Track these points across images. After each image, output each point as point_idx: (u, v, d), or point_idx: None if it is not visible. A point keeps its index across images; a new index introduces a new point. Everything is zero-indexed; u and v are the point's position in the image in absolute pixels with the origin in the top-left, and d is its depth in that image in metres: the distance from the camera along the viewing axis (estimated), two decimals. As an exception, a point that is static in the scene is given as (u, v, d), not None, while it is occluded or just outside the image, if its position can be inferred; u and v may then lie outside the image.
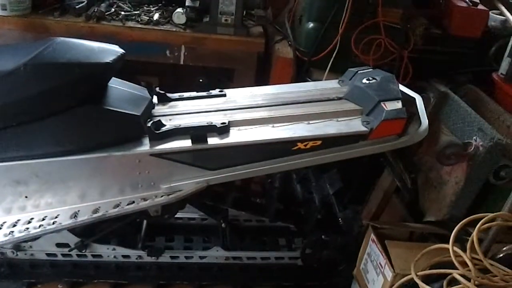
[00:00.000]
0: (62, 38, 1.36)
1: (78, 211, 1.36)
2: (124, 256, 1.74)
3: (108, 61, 1.33)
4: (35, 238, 1.48)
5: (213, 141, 1.35)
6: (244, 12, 2.06)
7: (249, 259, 1.82)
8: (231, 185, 1.68)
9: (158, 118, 1.38)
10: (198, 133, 1.36)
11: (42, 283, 1.73)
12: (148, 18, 2.02)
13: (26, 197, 1.36)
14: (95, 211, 1.36)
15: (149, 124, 1.34)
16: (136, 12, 2.05)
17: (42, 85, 1.26)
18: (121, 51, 1.40)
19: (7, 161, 1.31)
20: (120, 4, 2.10)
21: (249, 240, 1.92)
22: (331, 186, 1.82)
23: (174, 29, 2.00)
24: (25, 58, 1.26)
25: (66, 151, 1.32)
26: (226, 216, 1.83)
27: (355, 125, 1.41)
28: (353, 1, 1.80)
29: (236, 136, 1.37)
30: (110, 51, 1.38)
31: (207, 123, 1.37)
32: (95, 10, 1.96)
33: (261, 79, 2.11)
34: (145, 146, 1.34)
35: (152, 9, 2.12)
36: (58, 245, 1.63)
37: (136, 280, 1.79)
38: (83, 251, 1.63)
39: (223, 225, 1.81)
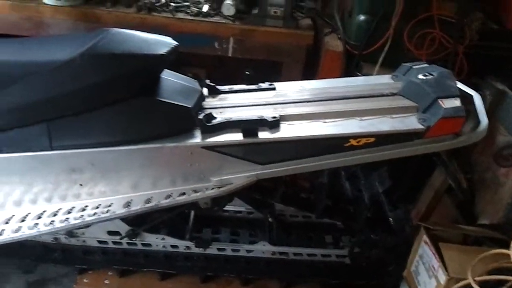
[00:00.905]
0: (116, 29, 1.37)
1: (131, 200, 1.38)
2: (172, 246, 1.76)
3: (162, 53, 1.33)
4: (88, 225, 1.51)
5: (264, 135, 1.34)
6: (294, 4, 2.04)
7: (295, 255, 1.81)
8: (279, 180, 1.67)
9: (209, 111, 1.38)
10: (249, 127, 1.35)
11: (93, 269, 1.78)
12: (197, 9, 2.02)
13: (80, 184, 1.39)
14: (148, 201, 1.38)
15: (200, 116, 1.35)
16: (186, 3, 2.06)
17: (97, 76, 1.28)
18: (174, 43, 1.41)
19: (63, 149, 1.34)
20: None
21: (295, 236, 1.91)
22: (381, 184, 1.78)
23: (223, 21, 2.00)
24: (81, 48, 1.28)
25: (121, 141, 1.34)
26: (273, 211, 1.82)
27: (411, 122, 1.36)
28: (406, -8, 1.76)
29: (287, 130, 1.36)
30: (164, 42, 1.39)
31: (258, 117, 1.36)
32: (146, 1, 1.98)
33: (309, 73, 2.08)
34: (197, 138, 1.34)
35: (202, 0, 2.13)
36: (110, 232, 1.66)
37: (184, 270, 1.82)
38: (134, 239, 1.66)
39: (270, 219, 1.81)
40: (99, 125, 1.33)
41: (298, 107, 1.43)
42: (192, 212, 1.82)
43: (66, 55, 1.28)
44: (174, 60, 1.41)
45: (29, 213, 1.40)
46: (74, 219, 1.37)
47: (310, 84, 1.57)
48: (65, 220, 1.37)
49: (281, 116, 1.37)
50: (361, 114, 1.39)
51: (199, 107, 1.42)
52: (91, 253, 1.77)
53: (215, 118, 1.36)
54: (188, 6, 2.04)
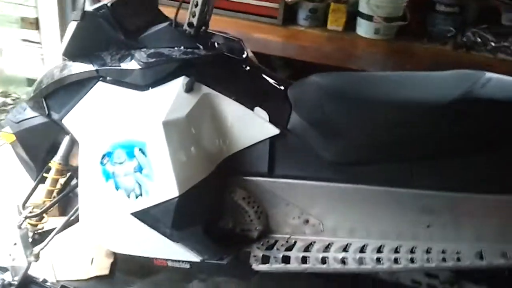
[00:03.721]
0: (490, 73, 1.33)
1: (484, 251, 1.32)
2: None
3: None
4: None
5: None
6: None
7: None
8: None
9: None
10: None
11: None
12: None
13: (428, 226, 1.37)
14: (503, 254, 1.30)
15: None
16: (504, 43, 1.95)
17: (476, 122, 1.24)
18: None
19: (422, 189, 1.33)
20: (482, 33, 2.02)
21: None
22: None
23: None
24: (455, 91, 1.26)
25: (485, 189, 1.28)
26: None
27: None
28: None
29: None
30: None
31: None
32: (464, 39, 1.93)
33: None
34: None
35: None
36: (428, 275, 1.62)
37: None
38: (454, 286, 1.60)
39: None
40: (466, 170, 1.28)
41: None
42: None
43: (440, 97, 1.27)
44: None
45: (367, 245, 1.43)
46: (417, 261, 1.35)
47: None
48: (409, 260, 1.36)
49: None
50: None
51: None
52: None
53: None
54: (507, 47, 1.92)
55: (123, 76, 1.38)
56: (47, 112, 1.49)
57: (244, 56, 1.52)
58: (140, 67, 1.38)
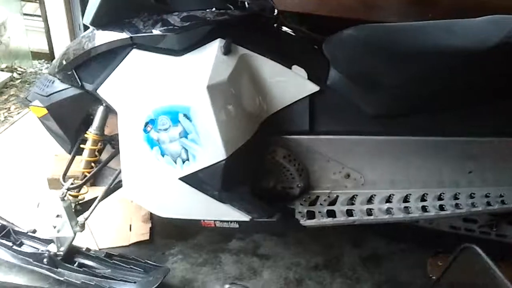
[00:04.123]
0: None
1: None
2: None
3: None
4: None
5: None
6: None
7: None
8: None
9: None
10: None
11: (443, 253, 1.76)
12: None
13: (469, 172, 1.40)
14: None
15: None
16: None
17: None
18: None
19: (458, 136, 1.35)
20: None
21: None
22: None
23: None
24: (491, 38, 1.26)
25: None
26: None
27: None
28: None
29: None
30: None
31: None
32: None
33: None
34: None
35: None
36: (466, 220, 1.66)
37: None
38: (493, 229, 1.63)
39: None
40: (503, 114, 1.30)
41: None
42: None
43: (479, 43, 1.27)
44: None
45: (410, 194, 1.47)
46: (463, 206, 1.39)
47: None
48: (454, 206, 1.40)
49: None
50: None
51: None
52: (443, 237, 1.71)
53: None
54: None
55: (158, 42, 1.36)
56: (80, 84, 1.48)
57: (275, 14, 1.50)
58: (175, 31, 1.36)
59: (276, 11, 1.51)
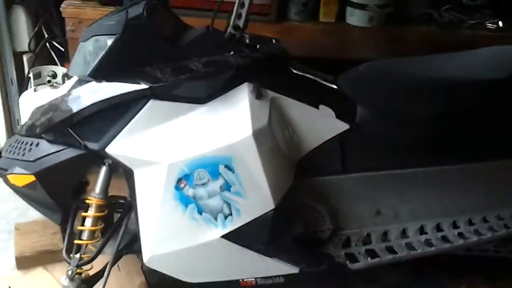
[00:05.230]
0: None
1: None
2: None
3: None
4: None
5: None
6: None
7: None
8: None
9: None
10: None
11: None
12: None
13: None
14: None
15: None
16: (478, 20, 2.07)
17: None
18: None
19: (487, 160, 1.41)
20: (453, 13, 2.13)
21: None
22: None
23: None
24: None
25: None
26: None
27: None
28: None
29: None
30: None
31: None
32: (443, 19, 2.04)
33: None
34: None
35: None
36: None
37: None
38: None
39: None
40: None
41: None
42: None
43: (493, 73, 1.34)
44: None
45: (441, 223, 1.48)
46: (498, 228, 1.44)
47: None
48: (488, 229, 1.44)
49: None
50: None
51: None
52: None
53: None
54: (483, 23, 2.06)
55: (182, 90, 1.26)
56: (82, 143, 1.30)
57: (289, 55, 1.48)
58: (199, 78, 1.27)
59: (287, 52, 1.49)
